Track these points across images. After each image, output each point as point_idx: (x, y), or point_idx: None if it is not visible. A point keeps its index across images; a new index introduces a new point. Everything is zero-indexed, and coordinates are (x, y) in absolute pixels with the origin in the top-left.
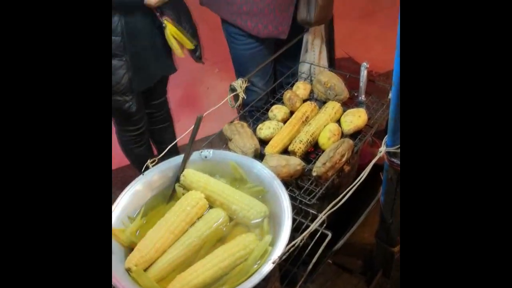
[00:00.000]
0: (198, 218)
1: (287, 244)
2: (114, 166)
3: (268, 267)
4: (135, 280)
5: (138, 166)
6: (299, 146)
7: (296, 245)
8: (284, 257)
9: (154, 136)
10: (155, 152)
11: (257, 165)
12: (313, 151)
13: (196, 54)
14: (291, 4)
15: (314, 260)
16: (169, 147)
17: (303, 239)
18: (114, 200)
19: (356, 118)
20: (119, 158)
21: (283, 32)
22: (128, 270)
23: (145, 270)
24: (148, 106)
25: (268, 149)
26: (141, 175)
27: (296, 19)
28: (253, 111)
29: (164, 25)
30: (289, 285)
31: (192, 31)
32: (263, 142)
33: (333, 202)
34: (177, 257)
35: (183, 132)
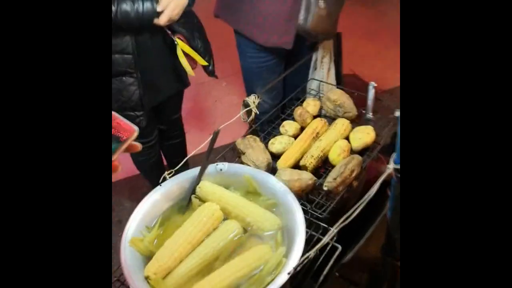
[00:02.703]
0: (214, 229)
1: (301, 256)
2: (123, 175)
3: (283, 278)
4: None
5: (148, 177)
6: (310, 161)
7: (309, 257)
8: (298, 268)
9: (164, 150)
10: (165, 163)
11: (271, 179)
12: (322, 166)
13: (209, 69)
14: (296, 14)
15: (325, 272)
16: (184, 159)
17: (316, 251)
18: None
19: (365, 135)
20: (128, 167)
21: (288, 42)
22: (147, 278)
23: (163, 278)
24: (161, 122)
25: (280, 163)
26: (158, 186)
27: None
28: (264, 126)
29: (175, 43)
30: None
31: (204, 47)
32: (274, 156)
33: (345, 216)
34: (194, 266)
35: (191, 143)
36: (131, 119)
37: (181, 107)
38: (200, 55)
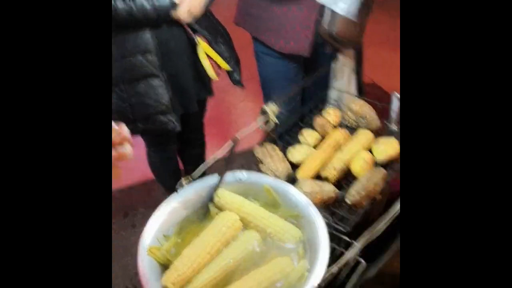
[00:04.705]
0: (233, 240)
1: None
2: (138, 180)
3: None
4: None
5: (164, 184)
6: (333, 173)
7: (334, 272)
8: (324, 284)
9: (185, 158)
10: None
11: (292, 190)
12: (343, 177)
13: (234, 76)
14: (313, 21)
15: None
16: (202, 166)
17: (341, 266)
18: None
19: (389, 147)
20: (142, 171)
21: (305, 48)
22: None
23: None
24: (185, 130)
25: (300, 173)
26: (175, 193)
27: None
28: (282, 134)
29: (196, 41)
30: None
31: (230, 53)
32: (293, 166)
33: (370, 231)
34: (212, 278)
35: (206, 148)
36: (163, 125)
37: (204, 115)
38: (225, 60)
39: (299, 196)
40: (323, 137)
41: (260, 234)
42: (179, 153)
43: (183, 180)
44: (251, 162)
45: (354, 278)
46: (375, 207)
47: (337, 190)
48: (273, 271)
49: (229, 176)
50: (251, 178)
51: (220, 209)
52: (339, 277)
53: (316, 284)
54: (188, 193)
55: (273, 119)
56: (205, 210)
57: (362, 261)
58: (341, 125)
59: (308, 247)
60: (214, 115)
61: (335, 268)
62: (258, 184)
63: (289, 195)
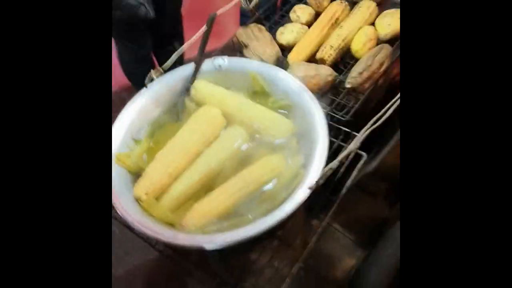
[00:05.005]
0: (215, 138)
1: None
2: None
3: (302, 193)
4: (146, 211)
5: (138, 87)
6: (329, 53)
7: (333, 168)
8: (322, 181)
9: (160, 55)
10: None
11: (283, 75)
12: (341, 60)
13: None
14: None
15: (348, 184)
16: (174, 55)
17: (342, 161)
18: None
19: (395, 20)
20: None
21: None
22: (138, 200)
23: (157, 198)
24: (160, 22)
25: (292, 57)
26: (144, 89)
27: None
28: (269, 14)
29: None
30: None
31: None
32: (284, 49)
33: (374, 119)
34: (193, 183)
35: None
36: (132, 9)
37: (182, 3)
38: None
39: (292, 82)
40: (317, 14)
41: (246, 130)
42: (154, 52)
43: (153, 73)
44: (235, 50)
45: (354, 173)
46: (375, 92)
47: (335, 73)
48: (263, 170)
49: (207, 63)
50: (233, 64)
51: (198, 103)
52: (337, 173)
53: (314, 182)
54: (160, 87)
55: None
56: (180, 107)
57: (364, 154)
58: None
59: (302, 141)
60: (195, 7)
61: (335, 163)
62: (241, 71)
63: (278, 81)
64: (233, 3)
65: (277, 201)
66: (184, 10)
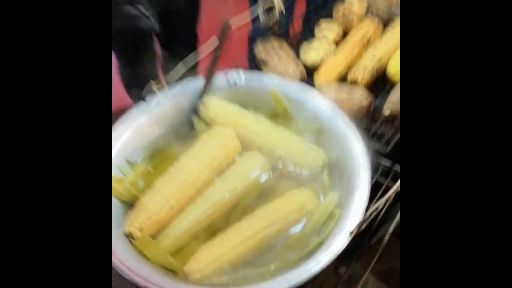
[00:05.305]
0: (228, 165)
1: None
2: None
3: (341, 240)
4: (139, 251)
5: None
6: (363, 74)
7: (379, 208)
8: (363, 226)
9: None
10: None
11: (311, 95)
12: (372, 84)
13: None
14: None
15: (390, 230)
16: (180, 66)
17: (387, 200)
18: None
19: None
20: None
21: None
22: (130, 237)
23: (154, 237)
24: (168, 37)
25: (320, 78)
26: (142, 102)
27: None
28: (287, 30)
29: None
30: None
31: None
32: (308, 70)
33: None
34: (200, 219)
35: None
36: (133, 20)
37: (197, 18)
38: None
39: (322, 103)
40: (345, 32)
41: (267, 158)
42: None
43: (153, 84)
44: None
45: (398, 215)
46: None
47: (370, 97)
48: (289, 208)
49: (220, 78)
50: (250, 81)
51: (209, 124)
52: (379, 215)
53: (355, 225)
54: (162, 102)
55: (279, 5)
56: (186, 127)
57: None
58: (367, 15)
59: (335, 173)
60: (212, 25)
61: (381, 202)
62: (261, 89)
63: (306, 101)
64: (250, 15)
65: (308, 248)
66: (200, 27)
